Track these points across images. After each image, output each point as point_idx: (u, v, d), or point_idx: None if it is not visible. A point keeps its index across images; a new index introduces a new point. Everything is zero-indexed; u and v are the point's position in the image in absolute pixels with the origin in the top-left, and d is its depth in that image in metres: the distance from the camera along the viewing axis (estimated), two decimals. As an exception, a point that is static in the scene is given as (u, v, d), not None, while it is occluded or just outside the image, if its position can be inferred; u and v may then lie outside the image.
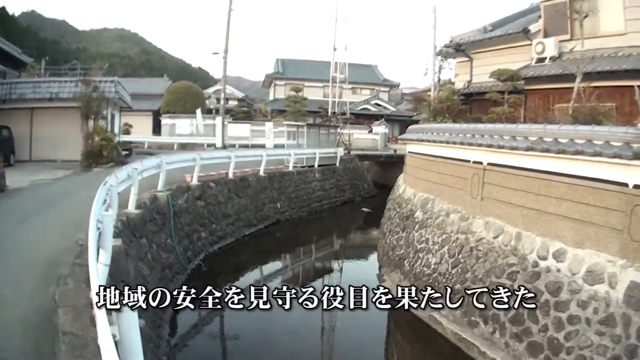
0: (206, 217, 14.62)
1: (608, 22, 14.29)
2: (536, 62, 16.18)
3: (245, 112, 40.30)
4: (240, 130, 34.25)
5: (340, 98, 52.59)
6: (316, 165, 22.97)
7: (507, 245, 8.66)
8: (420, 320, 9.13)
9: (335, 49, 27.92)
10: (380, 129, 36.81)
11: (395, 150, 30.85)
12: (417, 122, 53.87)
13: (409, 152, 14.21)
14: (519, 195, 8.66)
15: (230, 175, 16.90)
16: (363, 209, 23.07)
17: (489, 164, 9.47)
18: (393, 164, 30.98)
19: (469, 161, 10.01)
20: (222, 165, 16.75)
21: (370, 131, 37.29)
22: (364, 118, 46.54)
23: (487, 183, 9.51)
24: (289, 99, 41.30)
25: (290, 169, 21.02)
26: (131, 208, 10.04)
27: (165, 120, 35.18)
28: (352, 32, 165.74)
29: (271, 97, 52.58)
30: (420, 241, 11.02)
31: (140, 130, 32.30)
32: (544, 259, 7.54)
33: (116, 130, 22.22)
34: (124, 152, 21.49)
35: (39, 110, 19.92)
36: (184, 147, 33.12)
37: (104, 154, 17.84)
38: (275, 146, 33.44)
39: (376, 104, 50.86)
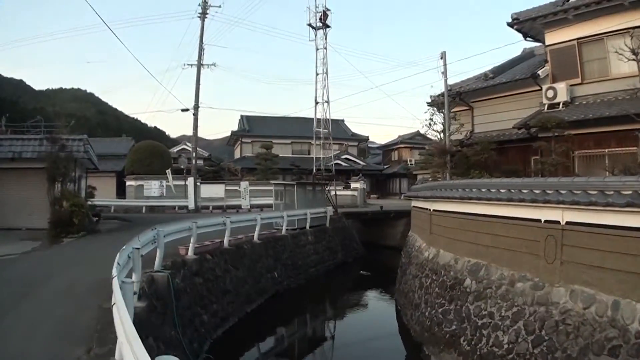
0: (206, 296, 12.43)
1: (620, 64, 13.90)
2: (548, 108, 15.59)
3: (214, 171, 38.41)
4: (213, 191, 32.27)
5: (309, 154, 52.20)
6: (308, 227, 21.22)
7: (603, 317, 7.22)
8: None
9: (316, 102, 26.97)
10: (358, 184, 35.74)
11: (381, 207, 29.63)
12: (393, 175, 53.62)
13: (435, 210, 12.80)
14: (614, 258, 7.32)
15: (226, 244, 14.88)
16: (362, 272, 21.28)
17: (568, 223, 8.13)
18: (379, 222, 29.69)
19: (538, 221, 8.65)
20: (214, 233, 14.73)
21: (348, 187, 36.13)
22: (336, 174, 45.60)
23: (568, 245, 8.13)
24: (259, 157, 39.95)
25: (284, 232, 19.15)
26: (135, 300, 7.90)
27: (130, 182, 32.81)
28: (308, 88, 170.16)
29: (237, 156, 50.99)
30: (481, 315, 9.37)
31: (104, 193, 29.66)
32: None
33: (83, 193, 19.77)
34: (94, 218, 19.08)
35: (-1, 171, 17.51)
36: (153, 210, 30.81)
37: (75, 221, 15.51)
38: (253, 206, 31.57)
39: (346, 158, 50.22)
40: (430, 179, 42.00)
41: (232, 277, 14.38)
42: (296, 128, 50.72)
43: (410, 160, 54.13)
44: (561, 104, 15.29)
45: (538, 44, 18.85)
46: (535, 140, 15.69)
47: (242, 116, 52.37)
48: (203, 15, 30.27)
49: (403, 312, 13.60)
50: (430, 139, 58.38)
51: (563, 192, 8.12)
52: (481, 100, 17.79)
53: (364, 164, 51.29)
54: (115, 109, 78.89)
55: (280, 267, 17.71)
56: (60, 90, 75.32)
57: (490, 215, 9.94)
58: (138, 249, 7.97)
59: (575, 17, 15.01)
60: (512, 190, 9.11)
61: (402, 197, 52.54)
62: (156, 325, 8.92)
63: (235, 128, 52.84)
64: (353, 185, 36.12)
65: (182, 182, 31.22)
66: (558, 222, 8.27)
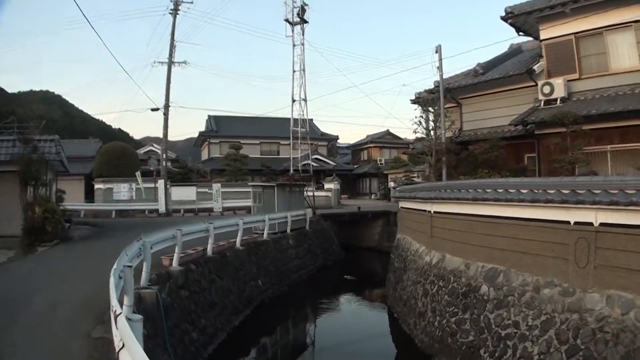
0: (193, 310, 11.30)
1: (620, 60, 13.71)
2: (545, 105, 15.27)
3: (182, 173, 36.77)
4: (184, 194, 30.90)
5: (278, 155, 51.11)
6: (289, 231, 20.25)
7: (644, 323, 6.75)
8: None
9: (294, 101, 25.95)
10: (332, 184, 35.00)
11: (359, 208, 28.99)
12: (364, 175, 53.06)
13: (437, 212, 12.13)
14: (655, 261, 6.85)
15: (209, 252, 13.76)
16: (346, 276, 20.51)
17: (602, 224, 7.59)
18: (356, 223, 29.04)
19: (567, 223, 8.08)
20: (195, 240, 13.56)
21: (321, 188, 35.32)
22: (308, 174, 44.73)
23: (602, 248, 7.59)
24: (228, 158, 38.62)
25: (265, 237, 18.12)
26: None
27: (99, 185, 31.31)
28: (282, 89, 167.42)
29: (205, 157, 49.27)
30: (504, 325, 8.73)
31: (73, 197, 27.85)
32: None
33: (53, 198, 18.22)
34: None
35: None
36: (122, 214, 29.40)
37: (48, 229, 14.20)
38: (225, 209, 30.30)
39: (316, 158, 49.37)
40: (403, 178, 41.93)
41: (218, 288, 13.27)
42: (265, 128, 49.54)
43: (380, 160, 53.98)
44: (559, 100, 14.98)
45: (526, 40, 18.64)
46: (531, 137, 15.35)
47: (209, 116, 50.71)
48: (175, 11, 28.79)
49: (403, 320, 12.87)
50: (400, 138, 58.82)
51: (597, 191, 7.58)
52: (470, 97, 17.35)
53: (334, 164, 50.61)
54: (82, 111, 75.34)
55: (263, 274, 16.70)
56: (31, 92, 71.40)
57: (508, 217, 9.33)
58: (130, 267, 6.84)
59: (572, 10, 14.68)
60: (536, 191, 8.51)
61: (372, 197, 52.47)
62: (147, 349, 7.80)
63: (203, 128, 51.14)
64: (327, 185, 35.36)
65: (152, 185, 29.80)
66: (591, 224, 7.72)
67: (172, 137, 41.09)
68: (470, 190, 10.24)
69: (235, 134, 46.39)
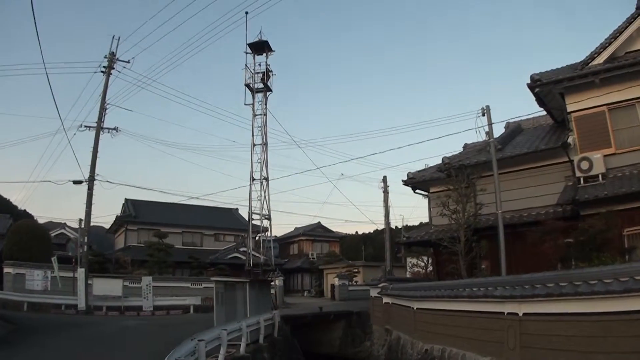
0: None
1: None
2: (584, 182, 13.24)
3: (99, 262, 30.26)
4: (108, 287, 25.26)
5: (201, 246, 45.35)
6: (261, 340, 15.45)
7: None
8: None
9: (252, 180, 22.06)
10: (277, 281, 30.34)
11: (321, 308, 24.65)
12: (297, 270, 48.39)
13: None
14: None
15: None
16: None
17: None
18: (314, 325, 24.53)
19: None
20: None
21: (264, 284, 30.47)
22: (234, 269, 39.50)
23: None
24: (151, 247, 32.71)
25: (242, 351, 13.25)
26: None
27: (8, 269, 25.36)
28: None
29: (121, 245, 42.12)
30: None
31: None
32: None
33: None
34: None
35: None
36: (34, 307, 23.44)
37: None
38: (157, 308, 24.43)
39: (244, 251, 44.34)
40: (345, 272, 38.31)
41: None
42: (187, 217, 44.13)
43: (312, 254, 50.25)
44: (600, 177, 13.06)
45: (523, 118, 17.30)
46: (574, 219, 13.05)
47: (126, 200, 44.31)
48: (108, 69, 24.52)
49: None
50: (332, 231, 55.94)
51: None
52: (487, 177, 14.91)
53: (265, 257, 45.82)
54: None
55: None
56: None
57: None
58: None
59: (602, 81, 13.45)
60: None
61: (305, 294, 47.75)
62: None
63: (113, 213, 44.55)
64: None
65: (70, 274, 24.57)
66: None
67: (75, 221, 34.45)
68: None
69: (156, 221, 40.51)
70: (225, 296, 16.22)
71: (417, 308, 13.49)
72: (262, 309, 17.22)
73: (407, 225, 37.03)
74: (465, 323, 10.48)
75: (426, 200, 19.18)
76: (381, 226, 31.96)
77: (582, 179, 13.33)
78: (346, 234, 60.37)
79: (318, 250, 51.87)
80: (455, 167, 15.13)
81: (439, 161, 17.84)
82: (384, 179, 29.32)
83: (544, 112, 16.89)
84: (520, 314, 8.31)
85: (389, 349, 16.75)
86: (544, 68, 15.01)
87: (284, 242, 54.40)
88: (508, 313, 8.63)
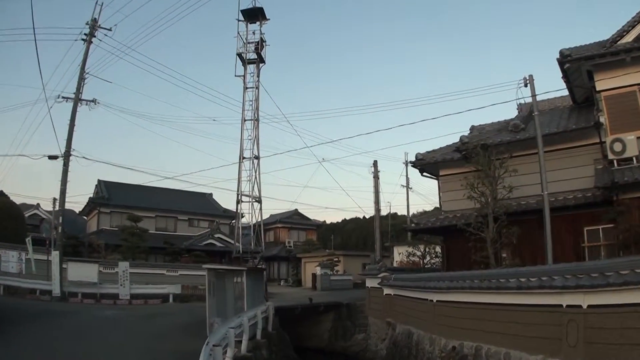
0: None
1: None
2: (618, 165, 12.33)
3: (72, 245, 28.05)
4: (84, 273, 23.11)
5: (175, 232, 43.14)
6: (259, 336, 14.02)
7: None
8: None
9: (242, 158, 20.39)
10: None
11: (310, 299, 23.27)
12: (273, 258, 46.70)
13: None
14: None
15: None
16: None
17: None
18: (304, 318, 23.19)
19: None
20: None
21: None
22: (210, 256, 37.66)
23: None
24: (125, 231, 30.61)
25: (244, 350, 11.78)
26: None
27: None
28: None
29: (93, 228, 39.51)
30: None
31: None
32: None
33: None
34: None
35: None
36: (10, 291, 22.00)
37: None
38: (134, 297, 22.60)
39: (219, 238, 42.51)
40: (327, 261, 36.96)
41: None
42: (161, 200, 41.85)
43: (289, 242, 48.77)
44: (634, 159, 12.17)
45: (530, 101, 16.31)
46: (596, 206, 12.19)
47: (99, 181, 41.54)
48: (90, 37, 22.13)
49: None
50: (309, 219, 54.57)
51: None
52: (509, 158, 13.77)
53: (240, 244, 44.07)
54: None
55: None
56: None
57: None
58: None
59: (633, 59, 12.55)
60: None
61: (282, 283, 46.20)
62: None
63: (86, 195, 41.74)
64: (252, 270, 29.06)
65: (45, 257, 23.12)
66: None
67: (49, 202, 31.83)
68: None
69: (130, 204, 38.09)
70: (218, 286, 14.61)
71: (437, 301, 12.33)
72: (257, 300, 15.75)
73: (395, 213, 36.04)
74: (505, 317, 9.38)
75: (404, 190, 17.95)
76: (366, 214, 30.83)
77: (615, 162, 12.43)
78: (323, 221, 59.16)
79: (295, 238, 50.47)
80: (476, 147, 13.90)
81: (426, 149, 16.84)
82: (375, 164, 28.19)
83: (550, 96, 16.13)
84: (585, 307, 7.25)
85: (394, 344, 15.61)
86: (552, 50, 14.04)
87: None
88: (567, 305, 7.56)
